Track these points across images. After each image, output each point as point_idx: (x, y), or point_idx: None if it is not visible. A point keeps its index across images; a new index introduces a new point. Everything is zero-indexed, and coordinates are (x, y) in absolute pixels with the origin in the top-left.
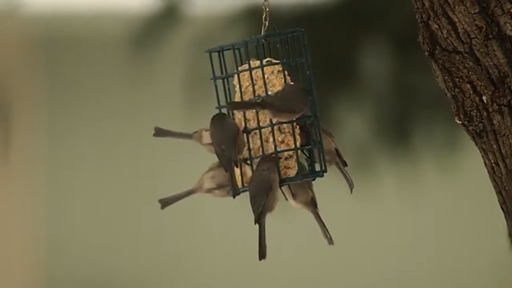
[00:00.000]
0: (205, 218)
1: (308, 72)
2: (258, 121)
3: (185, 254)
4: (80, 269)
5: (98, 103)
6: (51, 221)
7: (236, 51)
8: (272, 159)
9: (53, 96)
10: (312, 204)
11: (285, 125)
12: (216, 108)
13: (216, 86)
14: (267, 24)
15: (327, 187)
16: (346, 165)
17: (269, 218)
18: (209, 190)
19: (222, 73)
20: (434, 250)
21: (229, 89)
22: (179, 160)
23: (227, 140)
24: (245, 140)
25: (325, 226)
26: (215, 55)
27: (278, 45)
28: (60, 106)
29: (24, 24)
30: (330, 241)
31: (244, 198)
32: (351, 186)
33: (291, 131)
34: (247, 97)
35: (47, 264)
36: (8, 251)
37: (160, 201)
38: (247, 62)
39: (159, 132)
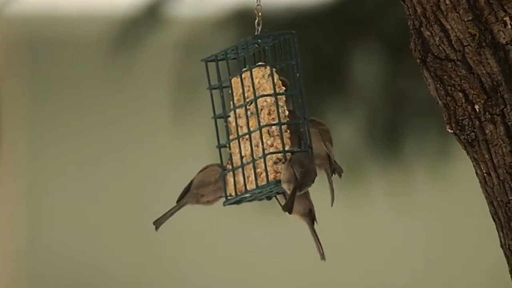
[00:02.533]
0: (195, 223)
1: (297, 74)
2: (249, 127)
3: (173, 256)
4: (62, 273)
5: (83, 105)
6: (34, 225)
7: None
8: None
9: (37, 99)
10: (308, 216)
11: (274, 127)
12: (212, 118)
13: (211, 95)
14: (259, 29)
15: (317, 193)
16: (334, 173)
17: (260, 224)
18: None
19: (217, 81)
20: (425, 258)
21: (223, 97)
22: (164, 166)
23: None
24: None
25: (319, 241)
26: (210, 63)
27: (266, 48)
28: (44, 109)
29: (7, 25)
30: (323, 256)
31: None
32: (332, 198)
33: (279, 134)
34: (240, 104)
35: (29, 269)
36: None
37: (155, 222)
38: (240, 70)
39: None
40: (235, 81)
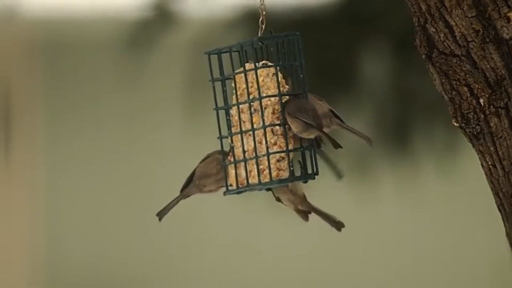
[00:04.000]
0: (204, 221)
1: (301, 75)
2: (252, 123)
3: (183, 254)
4: (80, 271)
5: (96, 106)
6: (50, 224)
7: (236, 53)
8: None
9: (52, 100)
10: (304, 201)
11: (277, 127)
12: (214, 109)
13: (214, 88)
14: (263, 27)
15: (326, 190)
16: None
17: (268, 220)
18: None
19: (220, 75)
20: (433, 252)
21: (225, 91)
22: (177, 162)
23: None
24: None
25: (327, 214)
26: (213, 58)
27: (272, 49)
28: (59, 110)
29: (23, 28)
30: (339, 224)
31: (240, 197)
32: (367, 140)
33: (283, 133)
34: (243, 99)
35: (46, 267)
36: (8, 254)
37: (158, 214)
38: (245, 64)
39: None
40: (239, 76)
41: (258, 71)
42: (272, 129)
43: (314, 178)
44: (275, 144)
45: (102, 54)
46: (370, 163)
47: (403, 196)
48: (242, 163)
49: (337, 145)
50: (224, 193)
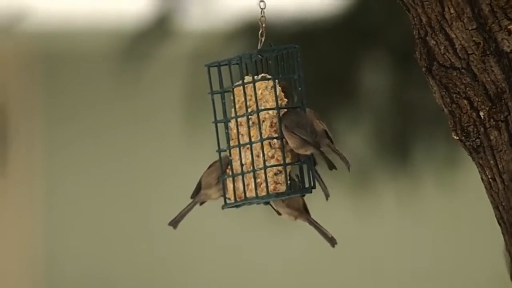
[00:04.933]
0: (202, 231)
1: (300, 88)
2: (250, 137)
3: (182, 264)
4: (78, 279)
5: (95, 118)
6: (49, 233)
7: (235, 66)
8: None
9: (50, 110)
10: (304, 210)
11: (275, 140)
12: (213, 122)
13: (213, 100)
14: (263, 40)
15: (326, 203)
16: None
17: (265, 230)
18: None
19: (220, 87)
20: (433, 265)
21: (224, 103)
22: (176, 173)
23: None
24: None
25: (323, 229)
26: (213, 70)
27: (270, 61)
28: (57, 121)
29: (21, 40)
30: (333, 241)
31: (237, 209)
32: (347, 164)
33: (281, 146)
34: (242, 112)
35: (45, 276)
36: (6, 263)
37: (170, 223)
38: (244, 76)
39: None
40: (238, 89)
41: (257, 84)
42: (269, 142)
43: (311, 192)
44: (272, 157)
45: (101, 66)
46: (370, 176)
47: (403, 209)
48: (240, 177)
49: (332, 166)
50: (222, 207)
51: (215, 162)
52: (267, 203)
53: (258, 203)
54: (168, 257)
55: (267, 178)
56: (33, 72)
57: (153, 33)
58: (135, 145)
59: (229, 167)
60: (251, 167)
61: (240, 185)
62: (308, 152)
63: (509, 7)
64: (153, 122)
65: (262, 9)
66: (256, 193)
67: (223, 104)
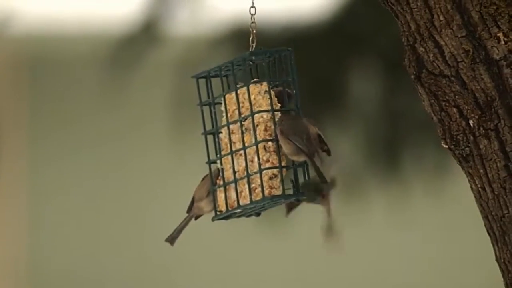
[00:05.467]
0: (192, 238)
1: (294, 91)
2: (244, 142)
3: (170, 272)
4: (60, 276)
5: (80, 124)
6: (33, 243)
7: (224, 77)
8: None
9: (36, 116)
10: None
11: (270, 143)
12: (202, 134)
13: (202, 111)
14: (254, 46)
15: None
16: (330, 154)
17: (259, 236)
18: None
19: (208, 97)
20: (423, 273)
21: (215, 113)
22: (161, 181)
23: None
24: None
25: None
26: (202, 80)
27: (264, 64)
28: (43, 127)
29: (7, 45)
30: (324, 181)
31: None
32: (322, 179)
33: (276, 150)
34: (233, 119)
35: (27, 273)
36: None
37: (167, 239)
38: (235, 86)
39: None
40: (229, 97)
41: (250, 89)
42: (264, 146)
43: (305, 196)
44: (267, 161)
45: (88, 71)
46: (360, 183)
47: (392, 216)
48: (232, 185)
49: (323, 179)
50: (212, 219)
51: (205, 177)
52: (258, 214)
53: (249, 215)
54: (158, 262)
55: (263, 182)
56: (18, 76)
57: (140, 38)
58: (122, 153)
59: (220, 177)
60: (245, 173)
61: (232, 193)
62: (301, 159)
63: (498, 15)
64: (140, 130)
65: (252, 15)
66: (251, 199)
67: (214, 114)
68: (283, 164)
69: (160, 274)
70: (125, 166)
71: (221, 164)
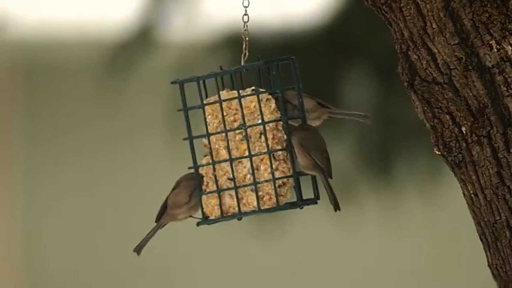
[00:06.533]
0: (186, 242)
1: (300, 100)
2: (250, 150)
3: (165, 274)
4: (57, 274)
5: (77, 131)
6: (29, 248)
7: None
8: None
9: (31, 122)
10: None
11: (279, 152)
12: (184, 139)
13: (187, 117)
14: (247, 53)
15: (309, 217)
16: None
17: (255, 240)
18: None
19: (201, 102)
20: (416, 279)
21: (205, 119)
22: (158, 188)
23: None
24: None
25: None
26: (190, 85)
27: (273, 73)
28: (39, 133)
29: (3, 50)
30: (336, 206)
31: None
32: (364, 117)
33: (285, 158)
34: (230, 127)
35: (25, 271)
36: None
37: (135, 249)
38: (239, 94)
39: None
40: (214, 105)
41: (251, 97)
42: (273, 154)
43: (316, 203)
44: (276, 169)
45: (83, 77)
46: (353, 190)
47: (385, 222)
48: (227, 192)
49: (337, 207)
50: (198, 224)
51: (180, 182)
52: (240, 219)
53: (239, 219)
54: (155, 266)
55: (272, 190)
56: (14, 82)
57: (135, 44)
58: (119, 159)
59: (206, 183)
60: (245, 181)
61: (227, 200)
62: (312, 174)
63: (491, 23)
64: (136, 136)
65: (245, 22)
66: (259, 206)
67: (204, 120)
68: (291, 173)
69: (157, 274)
70: (120, 171)
71: (214, 170)
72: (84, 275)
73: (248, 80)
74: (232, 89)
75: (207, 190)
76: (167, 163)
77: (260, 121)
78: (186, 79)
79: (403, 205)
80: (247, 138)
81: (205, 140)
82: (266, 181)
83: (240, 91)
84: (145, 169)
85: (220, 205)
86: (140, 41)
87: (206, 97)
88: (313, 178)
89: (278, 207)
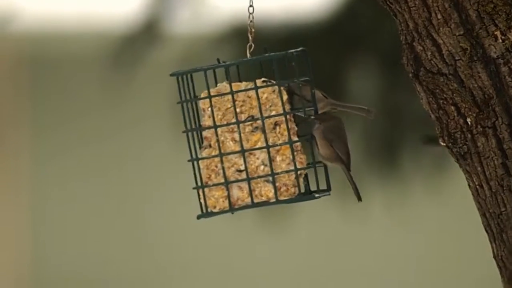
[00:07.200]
0: (193, 236)
1: (313, 91)
2: (267, 141)
3: (171, 264)
4: (63, 277)
5: (83, 122)
6: (35, 240)
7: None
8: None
9: (38, 115)
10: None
11: (298, 143)
12: (184, 132)
13: (185, 108)
14: (252, 45)
15: (314, 209)
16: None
17: (260, 236)
18: None
19: (208, 94)
20: (421, 271)
21: (203, 110)
22: (163, 178)
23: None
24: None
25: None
26: (198, 76)
27: (289, 64)
28: (45, 125)
29: (9, 43)
30: (359, 197)
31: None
32: (367, 112)
33: (302, 149)
34: (243, 117)
35: (31, 279)
36: None
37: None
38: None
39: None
40: (237, 94)
41: (260, 88)
42: (291, 145)
43: (329, 194)
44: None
45: (89, 70)
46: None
47: (391, 214)
48: (235, 184)
49: (359, 197)
50: (198, 217)
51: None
52: (233, 212)
53: (232, 213)
54: (160, 259)
55: (289, 181)
56: (20, 75)
57: (141, 37)
58: (124, 151)
59: (208, 176)
60: (257, 172)
61: (235, 192)
62: (333, 165)
63: (496, 13)
64: (141, 127)
65: (250, 13)
66: (276, 197)
67: (211, 111)
68: (304, 164)
69: (163, 272)
70: (126, 163)
71: (221, 162)
72: (89, 263)
73: (246, 72)
74: (233, 81)
75: (210, 182)
76: (172, 153)
77: (274, 113)
78: (181, 71)
79: (409, 196)
80: (264, 129)
81: (205, 133)
82: (287, 171)
83: (257, 82)
84: (151, 160)
85: (229, 197)
86: (145, 34)
87: (208, 88)
88: (326, 168)
89: (296, 198)
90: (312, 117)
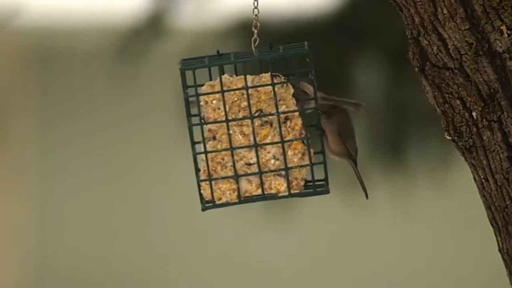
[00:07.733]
0: (199, 227)
1: (315, 84)
2: (281, 135)
3: (176, 260)
4: (69, 275)
5: (89, 115)
6: (41, 232)
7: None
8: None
9: (44, 108)
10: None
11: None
12: (189, 127)
13: (186, 100)
14: (257, 40)
15: (320, 202)
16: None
17: (264, 231)
18: None
19: (221, 88)
20: (427, 264)
21: (224, 104)
22: (170, 171)
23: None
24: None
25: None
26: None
27: (293, 60)
28: (51, 119)
29: (16, 37)
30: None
31: (235, 206)
32: (356, 106)
33: (312, 143)
34: (232, 114)
35: (37, 272)
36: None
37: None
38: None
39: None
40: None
41: (277, 84)
42: (303, 140)
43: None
44: (304, 154)
45: (95, 63)
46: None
47: (396, 208)
48: (244, 177)
49: (364, 188)
50: (203, 209)
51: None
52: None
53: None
54: (165, 253)
55: (300, 175)
56: (27, 68)
57: (147, 31)
58: (130, 143)
59: (214, 169)
60: (268, 166)
61: (244, 184)
62: (340, 160)
63: (501, 8)
64: (148, 121)
65: (255, 7)
66: (289, 191)
67: (224, 105)
68: (313, 159)
69: (169, 269)
70: (132, 156)
71: (232, 155)
72: (95, 255)
73: (249, 65)
74: (238, 74)
75: (216, 175)
76: (178, 145)
77: (284, 107)
78: (191, 67)
79: (414, 190)
80: (279, 124)
81: (209, 125)
82: (301, 166)
83: (266, 76)
84: (157, 152)
85: (238, 189)
86: (151, 27)
87: (221, 83)
88: (325, 163)
89: (306, 192)
90: (320, 111)
